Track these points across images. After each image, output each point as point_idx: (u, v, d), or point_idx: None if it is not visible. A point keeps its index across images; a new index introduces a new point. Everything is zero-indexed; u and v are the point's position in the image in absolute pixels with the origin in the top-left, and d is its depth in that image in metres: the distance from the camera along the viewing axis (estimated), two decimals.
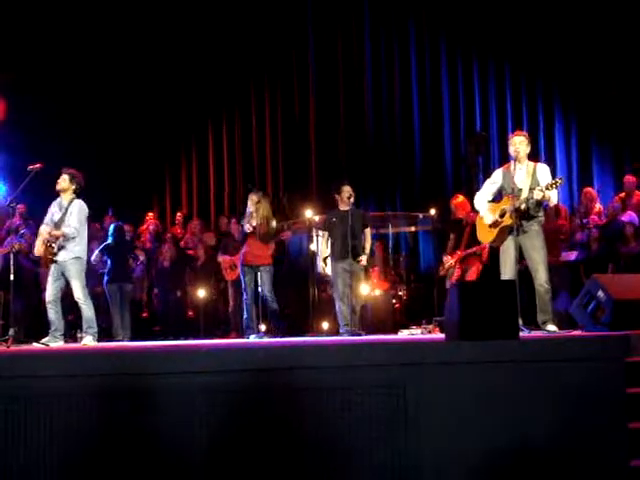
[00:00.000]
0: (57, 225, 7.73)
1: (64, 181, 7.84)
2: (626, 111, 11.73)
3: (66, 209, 7.78)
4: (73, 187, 7.86)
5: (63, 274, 7.74)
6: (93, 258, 10.00)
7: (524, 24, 12.43)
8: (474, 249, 8.92)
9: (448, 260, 9.25)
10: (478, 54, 13.06)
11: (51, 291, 7.73)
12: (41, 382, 4.37)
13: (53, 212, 7.89)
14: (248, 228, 8.81)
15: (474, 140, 12.30)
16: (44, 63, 12.31)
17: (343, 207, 8.84)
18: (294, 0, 13.40)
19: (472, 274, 9.01)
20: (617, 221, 9.83)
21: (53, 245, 7.66)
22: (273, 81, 13.72)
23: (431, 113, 13.13)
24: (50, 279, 7.77)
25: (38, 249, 7.84)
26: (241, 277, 8.99)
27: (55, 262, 7.71)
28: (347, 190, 8.81)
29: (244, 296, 8.93)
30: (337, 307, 8.75)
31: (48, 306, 7.72)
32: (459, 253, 9.14)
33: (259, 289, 8.85)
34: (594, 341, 5.06)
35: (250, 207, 8.96)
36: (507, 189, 7.02)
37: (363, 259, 8.75)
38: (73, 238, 7.69)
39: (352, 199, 8.78)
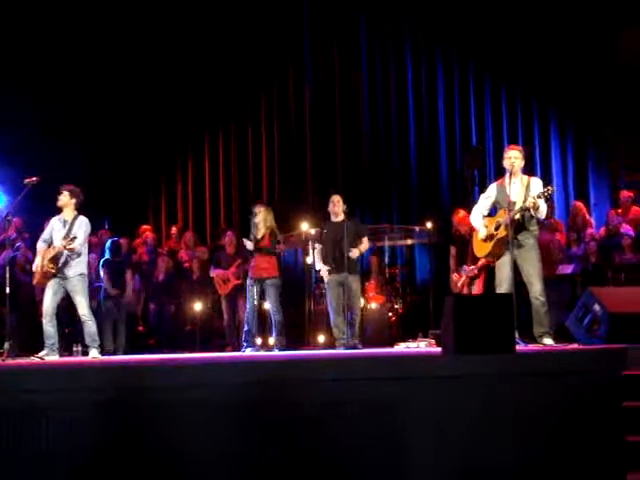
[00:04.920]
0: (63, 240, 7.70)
1: (65, 197, 7.83)
2: (622, 124, 11.75)
3: (71, 225, 7.77)
4: (74, 202, 7.86)
5: (64, 289, 7.72)
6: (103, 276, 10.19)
7: (519, 38, 12.46)
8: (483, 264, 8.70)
9: (459, 279, 9.05)
10: (474, 68, 13.10)
11: (49, 305, 7.69)
12: (42, 396, 4.36)
13: (55, 228, 7.83)
14: (250, 245, 8.79)
15: (470, 154, 12.33)
16: (39, 75, 12.29)
17: (334, 218, 8.80)
18: (291, 15, 13.44)
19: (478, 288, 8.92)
20: (619, 234, 9.88)
21: (59, 258, 7.63)
22: (270, 94, 13.73)
23: (427, 126, 13.14)
24: (49, 292, 7.72)
25: (38, 265, 7.79)
26: (247, 290, 8.95)
27: (55, 276, 7.68)
28: (332, 200, 8.76)
29: (247, 308, 8.91)
30: (332, 320, 8.70)
31: (45, 320, 7.68)
32: (468, 268, 8.93)
33: (256, 302, 8.84)
34: (590, 354, 5.07)
35: (256, 218, 8.93)
36: (502, 203, 7.03)
37: (354, 252, 8.53)
38: (78, 254, 7.69)
39: (341, 209, 8.66)
